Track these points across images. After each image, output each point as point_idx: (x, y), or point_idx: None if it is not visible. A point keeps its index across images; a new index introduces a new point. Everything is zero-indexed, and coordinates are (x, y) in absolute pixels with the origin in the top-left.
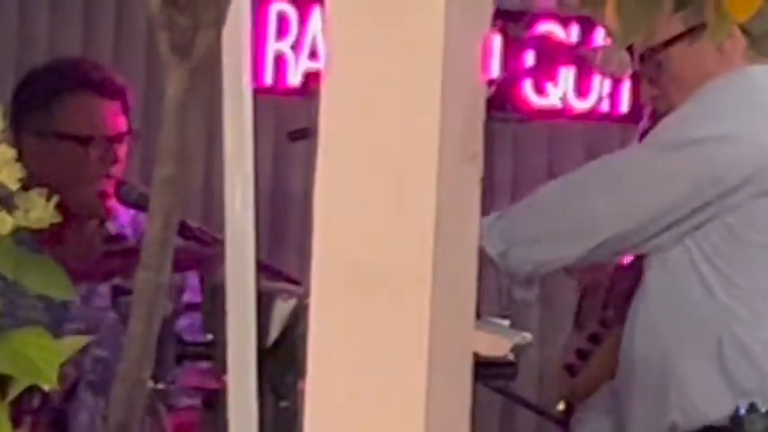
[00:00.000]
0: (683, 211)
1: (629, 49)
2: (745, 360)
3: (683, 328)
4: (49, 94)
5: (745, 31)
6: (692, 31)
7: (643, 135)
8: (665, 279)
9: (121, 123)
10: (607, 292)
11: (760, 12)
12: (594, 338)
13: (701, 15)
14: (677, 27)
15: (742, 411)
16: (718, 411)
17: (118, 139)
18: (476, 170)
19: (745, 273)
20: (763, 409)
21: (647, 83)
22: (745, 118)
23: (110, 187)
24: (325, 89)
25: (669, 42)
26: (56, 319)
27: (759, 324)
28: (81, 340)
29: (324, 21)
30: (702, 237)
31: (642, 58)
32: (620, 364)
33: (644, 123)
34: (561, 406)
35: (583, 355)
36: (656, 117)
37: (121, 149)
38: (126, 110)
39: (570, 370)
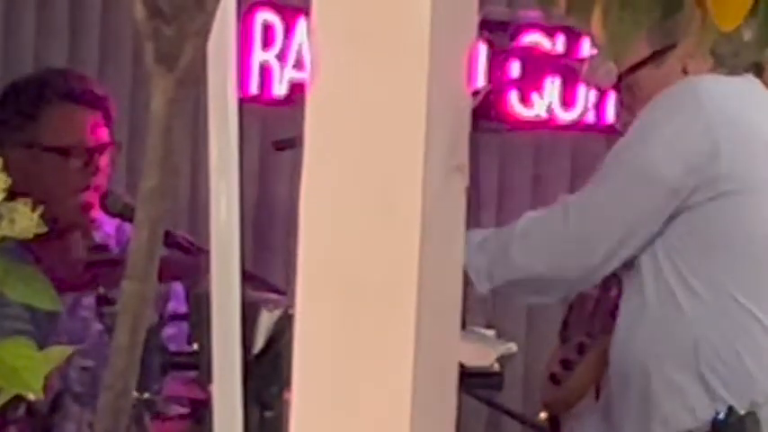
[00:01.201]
0: (653, 227)
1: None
2: (721, 365)
3: (659, 339)
4: (31, 105)
5: (711, 52)
6: (658, 54)
7: None
8: (638, 291)
9: (103, 134)
10: (594, 304)
11: (726, 34)
12: (581, 349)
13: (669, 37)
14: (644, 51)
15: (721, 416)
16: (698, 418)
17: (99, 149)
18: (461, 181)
19: (715, 278)
20: (741, 412)
21: (623, 108)
22: (688, 126)
23: (93, 198)
24: (311, 99)
25: (636, 66)
26: (41, 331)
27: (731, 329)
28: (66, 351)
29: (309, 31)
30: (671, 248)
31: (618, 84)
32: (609, 377)
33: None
34: (543, 415)
35: (568, 365)
36: None
37: (103, 160)
38: (108, 120)
39: (554, 379)
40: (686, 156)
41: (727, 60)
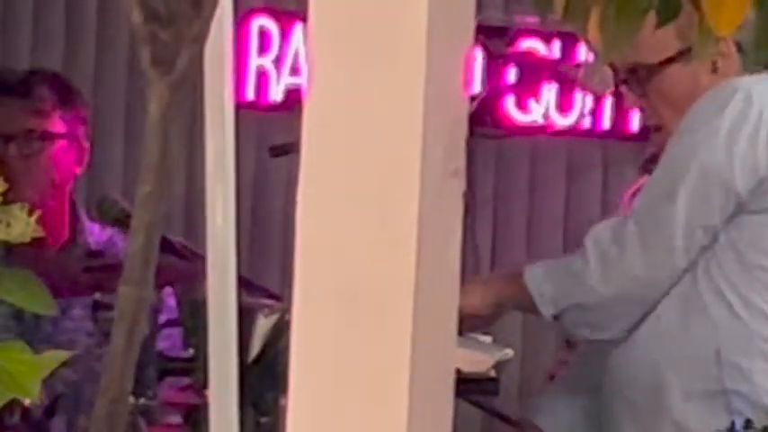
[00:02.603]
0: (703, 242)
1: (612, 65)
2: (743, 379)
3: (682, 345)
4: None
5: (739, 47)
6: (688, 51)
7: (648, 161)
8: (667, 296)
9: (42, 123)
10: None
11: (747, 25)
12: None
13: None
14: (673, 47)
15: (738, 427)
16: (711, 428)
17: (33, 136)
18: (458, 186)
19: (749, 294)
20: (759, 426)
21: (632, 93)
22: (735, 135)
23: (41, 195)
24: (308, 105)
25: (665, 62)
26: (28, 342)
27: (758, 344)
28: (62, 355)
29: (306, 36)
30: (710, 257)
31: (630, 70)
32: (608, 377)
33: (650, 149)
34: None
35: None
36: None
37: (50, 150)
38: (52, 111)
39: (553, 379)
40: (756, 167)
41: (754, 51)
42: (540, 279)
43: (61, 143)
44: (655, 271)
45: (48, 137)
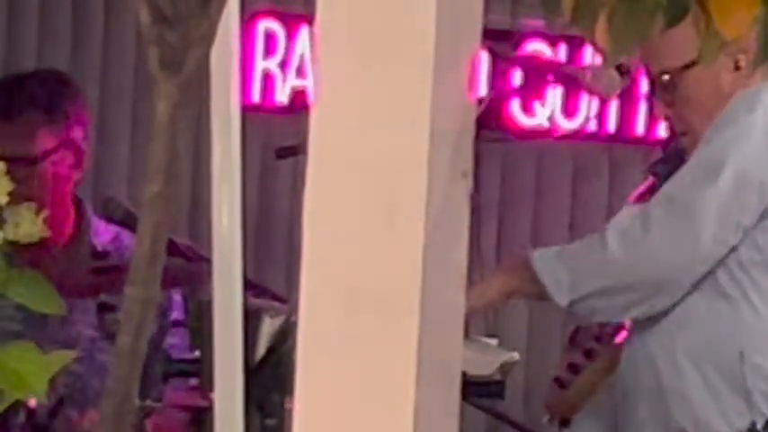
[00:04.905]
0: (733, 240)
1: (619, 68)
2: (764, 380)
3: (705, 344)
4: None
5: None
6: None
7: (656, 163)
8: (691, 295)
9: (28, 148)
10: None
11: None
12: (589, 354)
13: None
14: (695, 50)
15: (759, 426)
16: (732, 426)
17: (19, 162)
18: (465, 189)
19: None
20: None
21: (661, 102)
22: (760, 141)
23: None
24: (315, 108)
25: (689, 65)
26: (33, 333)
27: None
28: (68, 355)
29: (312, 39)
30: (732, 257)
31: (655, 79)
32: (623, 373)
33: (658, 152)
34: (546, 418)
35: (575, 369)
36: (675, 137)
37: (41, 169)
38: (38, 130)
39: (560, 383)
40: (756, 171)
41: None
42: (552, 267)
43: (53, 157)
44: (679, 255)
45: (35, 160)
